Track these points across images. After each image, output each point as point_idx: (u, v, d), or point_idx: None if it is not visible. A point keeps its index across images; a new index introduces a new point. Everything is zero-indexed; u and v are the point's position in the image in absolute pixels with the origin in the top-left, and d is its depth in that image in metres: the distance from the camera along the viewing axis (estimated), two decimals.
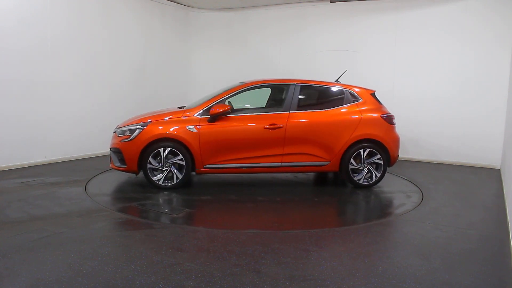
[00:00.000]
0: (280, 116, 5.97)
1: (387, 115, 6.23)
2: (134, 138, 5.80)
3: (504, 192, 6.05)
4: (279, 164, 5.98)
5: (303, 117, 6.05)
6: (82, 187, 5.82)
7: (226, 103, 6.20)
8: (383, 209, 5.33)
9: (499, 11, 7.90)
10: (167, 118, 5.93)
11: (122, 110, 8.74)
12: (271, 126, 5.89)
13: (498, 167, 8.06)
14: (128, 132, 5.89)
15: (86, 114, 8.04)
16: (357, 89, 6.33)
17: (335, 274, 3.28)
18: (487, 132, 8.10)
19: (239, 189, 6.11)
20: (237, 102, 6.36)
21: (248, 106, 6.59)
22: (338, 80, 6.72)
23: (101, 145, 8.38)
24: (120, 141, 5.91)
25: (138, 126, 5.88)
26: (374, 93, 6.41)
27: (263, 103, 6.72)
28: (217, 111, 5.80)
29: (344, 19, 9.31)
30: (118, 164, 5.98)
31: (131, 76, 9.08)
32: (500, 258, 3.72)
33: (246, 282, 3.09)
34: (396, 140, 6.28)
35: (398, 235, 4.55)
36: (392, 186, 6.42)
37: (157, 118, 5.98)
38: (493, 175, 7.53)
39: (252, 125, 5.94)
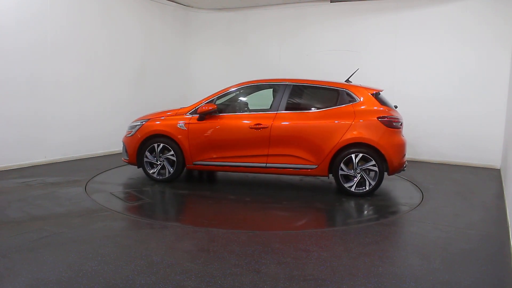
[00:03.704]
0: (266, 116, 5.90)
1: (386, 118, 5.62)
2: (134, 133, 6.31)
3: (504, 192, 6.04)
4: (264, 165, 5.89)
5: (290, 118, 5.85)
6: (82, 187, 5.82)
7: (242, 101, 6.46)
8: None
9: (499, 11, 7.90)
10: (164, 116, 6.34)
11: (122, 110, 8.75)
12: (256, 126, 5.84)
13: (498, 167, 8.06)
14: (132, 127, 6.41)
15: (86, 114, 8.04)
16: (355, 89, 5.85)
17: (335, 274, 3.28)
18: (487, 132, 8.10)
19: (229, 188, 6.13)
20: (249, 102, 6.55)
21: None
22: (349, 79, 6.41)
23: (101, 145, 8.41)
24: (126, 136, 6.50)
25: (138, 123, 6.38)
26: (377, 93, 5.91)
27: (260, 103, 6.72)
28: (204, 110, 6.01)
29: (344, 19, 9.31)
30: (124, 156, 6.53)
31: (131, 76, 9.07)
32: (500, 258, 3.72)
33: (246, 282, 3.09)
34: (396, 146, 5.65)
35: (398, 235, 4.55)
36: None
37: (157, 116, 6.43)
38: (493, 175, 7.53)
39: (239, 125, 5.96)
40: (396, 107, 6.14)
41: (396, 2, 8.77)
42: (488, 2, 7.99)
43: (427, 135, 8.62)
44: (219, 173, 7.06)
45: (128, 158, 6.38)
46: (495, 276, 3.37)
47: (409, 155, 8.67)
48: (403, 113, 6.33)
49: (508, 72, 7.83)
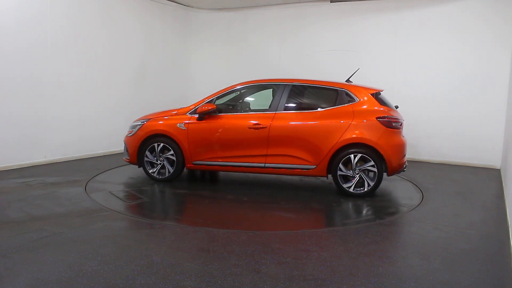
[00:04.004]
0: (265, 116, 5.88)
1: (386, 118, 5.56)
2: (135, 133, 6.35)
3: (504, 192, 6.04)
4: (262, 165, 5.88)
5: (288, 118, 5.83)
6: (82, 187, 5.82)
7: (241, 101, 6.53)
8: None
9: (499, 11, 7.90)
10: (165, 116, 6.35)
11: (122, 110, 8.76)
12: (255, 126, 5.84)
13: (498, 167, 8.06)
14: (133, 127, 6.45)
15: (86, 114, 8.04)
16: (354, 89, 5.80)
17: (335, 274, 3.28)
18: (487, 132, 8.10)
19: (229, 188, 6.15)
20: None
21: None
22: (350, 79, 6.38)
23: (101, 145, 8.40)
24: (127, 136, 6.53)
25: (139, 123, 6.41)
26: (377, 93, 5.86)
27: (260, 103, 6.73)
28: (203, 110, 6.02)
29: (344, 19, 9.31)
30: (125, 156, 6.56)
31: (131, 76, 9.07)
32: (500, 258, 3.72)
33: (246, 282, 3.09)
34: (395, 146, 5.58)
35: (398, 235, 4.55)
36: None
37: (157, 115, 6.45)
38: (493, 175, 7.53)
39: (237, 125, 5.95)
40: (397, 107, 6.12)
41: (396, 2, 8.77)
42: (488, 2, 7.99)
43: (427, 135, 8.62)
44: (220, 173, 7.07)
45: (129, 158, 6.42)
46: (495, 276, 3.37)
47: (409, 155, 8.66)
48: (403, 113, 6.30)
49: (508, 72, 7.83)
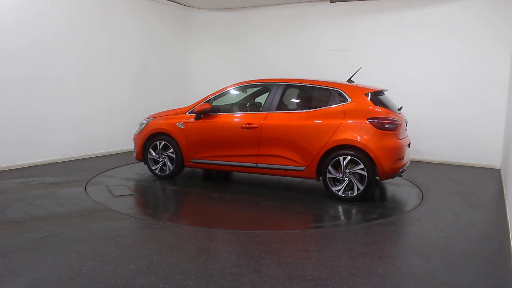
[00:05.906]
0: (257, 116, 5.87)
1: (378, 119, 5.29)
2: (140, 131, 6.61)
3: (504, 192, 6.04)
4: (254, 165, 5.86)
5: (280, 118, 5.75)
6: (82, 187, 5.82)
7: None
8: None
9: (499, 11, 7.89)
10: (168, 115, 6.58)
11: (122, 110, 8.75)
12: (247, 126, 5.84)
13: (498, 167, 8.06)
14: (140, 125, 6.72)
15: (86, 114, 8.03)
16: (348, 89, 5.60)
17: (335, 274, 3.28)
18: (487, 132, 8.09)
19: (230, 188, 6.15)
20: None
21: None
22: (351, 79, 6.23)
23: (101, 145, 8.40)
24: (135, 133, 6.77)
25: (145, 121, 6.67)
26: (375, 93, 5.64)
27: (254, 103, 6.75)
28: (200, 109, 6.12)
29: (344, 19, 9.30)
30: (134, 153, 6.77)
31: (131, 76, 9.07)
32: (500, 258, 3.72)
33: (246, 282, 3.09)
34: (387, 149, 5.27)
35: (398, 235, 4.55)
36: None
37: (161, 114, 6.68)
38: (493, 175, 7.53)
39: (231, 124, 6.00)
40: (400, 108, 6.00)
41: (396, 2, 8.77)
42: (488, 2, 7.99)
43: (427, 135, 8.61)
44: (221, 172, 7.06)
45: (136, 155, 6.67)
46: (495, 276, 3.37)
47: (410, 154, 8.65)
48: (403, 113, 6.27)
49: (508, 72, 7.82)
